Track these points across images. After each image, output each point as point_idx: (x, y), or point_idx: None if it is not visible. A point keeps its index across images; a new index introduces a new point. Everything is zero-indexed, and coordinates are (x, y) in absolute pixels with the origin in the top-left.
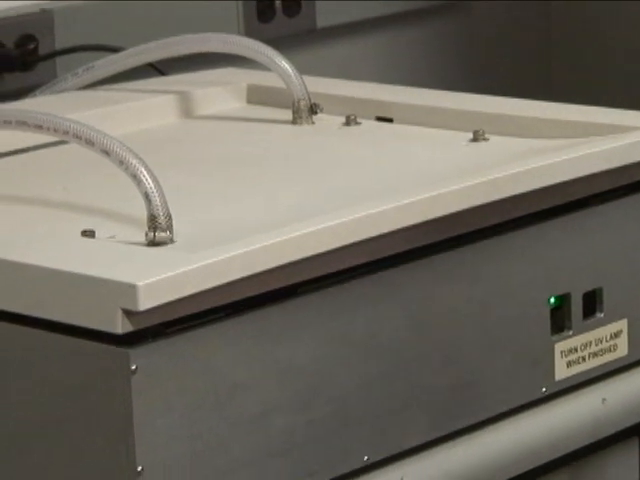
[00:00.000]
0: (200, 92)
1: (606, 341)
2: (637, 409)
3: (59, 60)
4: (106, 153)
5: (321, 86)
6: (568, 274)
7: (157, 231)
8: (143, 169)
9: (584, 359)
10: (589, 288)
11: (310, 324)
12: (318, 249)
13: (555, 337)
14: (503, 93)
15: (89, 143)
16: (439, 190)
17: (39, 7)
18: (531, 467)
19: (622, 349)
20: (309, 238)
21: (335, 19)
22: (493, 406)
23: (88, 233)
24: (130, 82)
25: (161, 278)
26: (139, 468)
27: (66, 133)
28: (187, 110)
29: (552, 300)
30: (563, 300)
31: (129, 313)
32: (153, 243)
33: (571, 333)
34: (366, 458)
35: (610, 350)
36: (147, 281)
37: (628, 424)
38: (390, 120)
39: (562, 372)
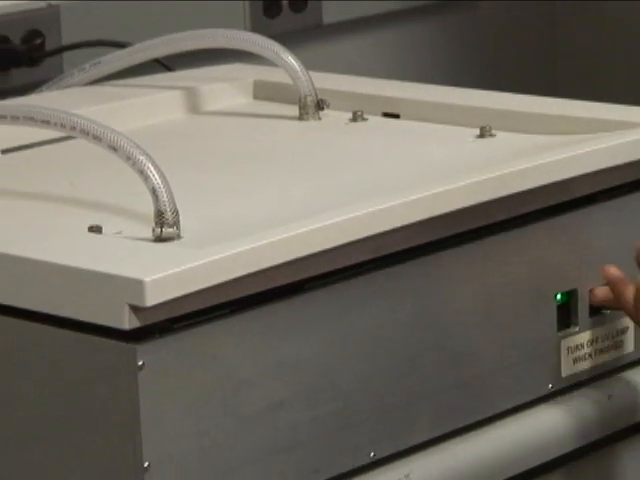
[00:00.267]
0: (207, 88)
1: (612, 338)
2: None
3: (66, 55)
4: (113, 149)
5: (328, 82)
6: (574, 270)
7: (164, 227)
8: (150, 165)
9: (590, 356)
10: (596, 284)
11: (317, 320)
12: (325, 245)
13: (561, 333)
14: (509, 90)
15: (96, 139)
16: (446, 186)
17: (46, 2)
18: (537, 464)
19: (628, 346)
20: (316, 234)
21: (342, 15)
22: (499, 402)
23: (95, 229)
24: (137, 78)
25: (168, 274)
26: (146, 464)
27: (73, 129)
28: (194, 106)
29: (559, 296)
30: (570, 296)
31: (136, 309)
32: (160, 239)
33: (577, 329)
34: (372, 454)
35: (616, 347)
36: (154, 277)
37: (634, 421)
38: (397, 116)
39: (568, 368)
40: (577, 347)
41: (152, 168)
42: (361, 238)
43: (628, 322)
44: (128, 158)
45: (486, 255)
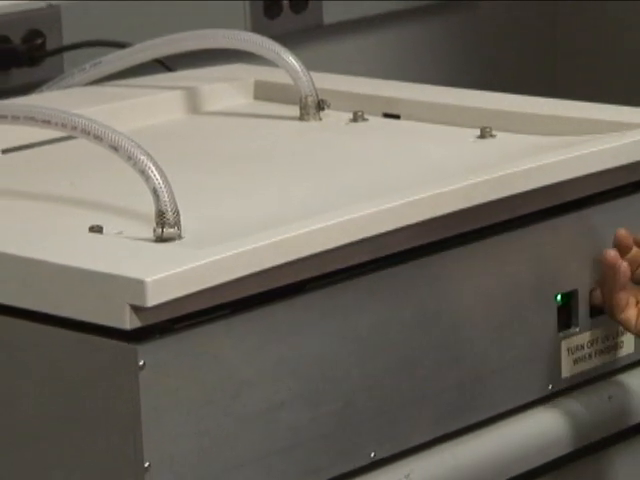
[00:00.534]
0: (207, 88)
1: (612, 338)
2: None
3: (66, 55)
4: (114, 149)
5: (328, 82)
6: (575, 271)
7: (165, 227)
8: (151, 165)
9: (590, 356)
10: (596, 285)
11: (317, 320)
12: (325, 245)
13: (562, 334)
14: (509, 90)
15: (97, 139)
16: (446, 187)
17: (46, 2)
18: (537, 464)
19: (628, 347)
20: (316, 234)
21: (342, 15)
22: (499, 403)
23: (96, 229)
24: (137, 78)
25: (169, 274)
26: (146, 464)
27: (74, 128)
28: (194, 106)
29: (559, 297)
30: (570, 297)
31: (137, 309)
32: (161, 239)
33: (578, 330)
34: (372, 454)
35: (616, 347)
36: (155, 277)
37: (634, 422)
38: (397, 116)
39: (568, 369)
40: (577, 348)
41: (153, 168)
42: (362, 238)
43: None
44: (129, 158)
45: (486, 256)
